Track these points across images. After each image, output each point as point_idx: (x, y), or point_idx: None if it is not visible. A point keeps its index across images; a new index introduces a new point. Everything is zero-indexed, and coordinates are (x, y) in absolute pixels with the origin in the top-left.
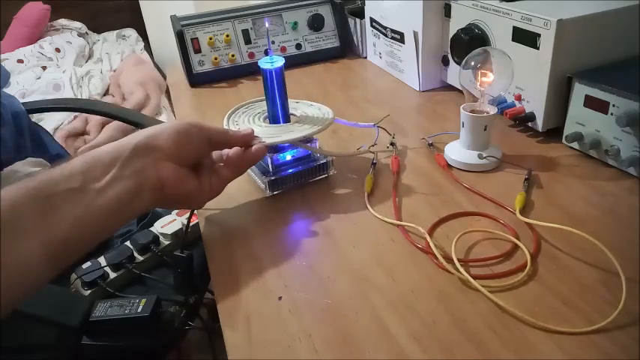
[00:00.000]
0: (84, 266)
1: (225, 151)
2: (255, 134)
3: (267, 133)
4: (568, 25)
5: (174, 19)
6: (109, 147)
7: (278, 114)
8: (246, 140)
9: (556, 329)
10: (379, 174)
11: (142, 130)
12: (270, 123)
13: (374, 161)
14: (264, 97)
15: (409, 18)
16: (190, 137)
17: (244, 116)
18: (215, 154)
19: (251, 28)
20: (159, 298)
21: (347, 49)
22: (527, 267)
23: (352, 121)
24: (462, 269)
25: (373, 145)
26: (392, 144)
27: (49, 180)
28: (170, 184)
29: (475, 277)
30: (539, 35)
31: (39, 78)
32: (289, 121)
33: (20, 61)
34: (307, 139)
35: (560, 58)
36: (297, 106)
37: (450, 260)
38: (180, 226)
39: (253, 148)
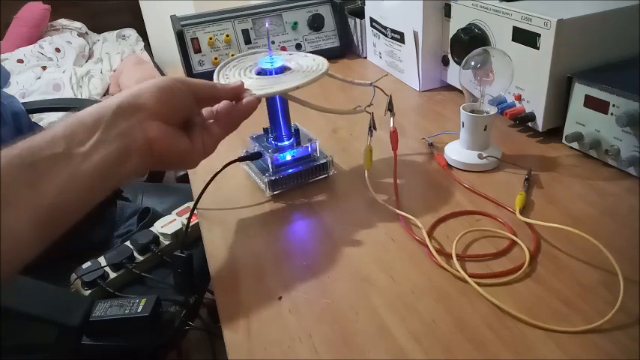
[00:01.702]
0: (84, 266)
1: (217, 105)
2: (245, 86)
3: (258, 85)
4: (568, 25)
5: (174, 19)
6: (91, 109)
7: (278, 113)
8: (235, 93)
9: (554, 328)
10: (379, 161)
11: (124, 90)
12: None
13: (371, 126)
14: (253, 51)
15: (409, 18)
16: (174, 93)
17: (235, 70)
18: (206, 110)
19: (251, 28)
20: (159, 298)
21: (347, 49)
22: (525, 265)
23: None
24: (458, 266)
25: (369, 105)
26: (389, 110)
27: (31, 147)
28: (159, 144)
29: (473, 276)
30: (539, 35)
31: (39, 78)
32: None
33: (20, 61)
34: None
35: (560, 58)
36: (291, 58)
37: (448, 256)
38: (180, 226)
39: (244, 100)
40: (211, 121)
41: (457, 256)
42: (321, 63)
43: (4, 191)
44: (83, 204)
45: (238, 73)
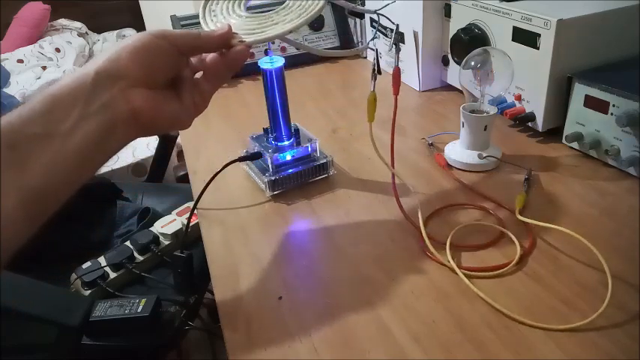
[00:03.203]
0: (84, 266)
1: (204, 56)
2: (233, 31)
3: (248, 28)
4: (568, 25)
5: (174, 19)
6: (68, 80)
7: (278, 113)
8: (223, 41)
9: (551, 327)
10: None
11: (100, 54)
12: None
13: (375, 69)
14: None
15: (409, 18)
16: (155, 52)
17: (223, 2)
18: (194, 60)
19: None
20: (159, 298)
21: (347, 49)
22: (516, 259)
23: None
24: (452, 261)
25: (373, 39)
26: (395, 44)
27: (10, 129)
28: (145, 113)
29: (467, 269)
30: (539, 35)
31: (39, 78)
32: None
33: (20, 61)
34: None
35: (560, 58)
36: None
37: (442, 247)
38: (180, 226)
39: (233, 50)
40: (200, 74)
41: (450, 244)
42: None
43: None
44: (72, 182)
45: (226, 8)
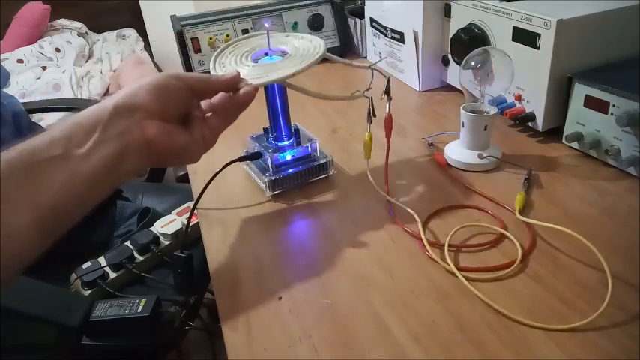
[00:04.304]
0: (84, 266)
1: (214, 98)
2: (241, 76)
3: (254, 74)
4: (568, 25)
5: (174, 19)
6: (88, 111)
7: (278, 113)
8: (231, 84)
9: (551, 327)
10: (377, 157)
11: (120, 90)
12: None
13: (370, 112)
14: (250, 35)
15: (409, 18)
16: (171, 90)
17: (231, 57)
18: (204, 103)
19: (251, 28)
20: (159, 298)
21: (347, 49)
22: (517, 260)
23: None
24: (449, 260)
25: (368, 89)
26: (386, 93)
27: (31, 149)
28: (157, 143)
29: (466, 270)
30: (539, 35)
31: (39, 78)
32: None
33: (20, 61)
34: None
35: (560, 58)
36: (286, 41)
37: (441, 248)
38: (180, 226)
39: (241, 91)
40: (210, 114)
41: (449, 246)
42: (318, 45)
43: (4, 190)
44: (84, 204)
45: (234, 61)
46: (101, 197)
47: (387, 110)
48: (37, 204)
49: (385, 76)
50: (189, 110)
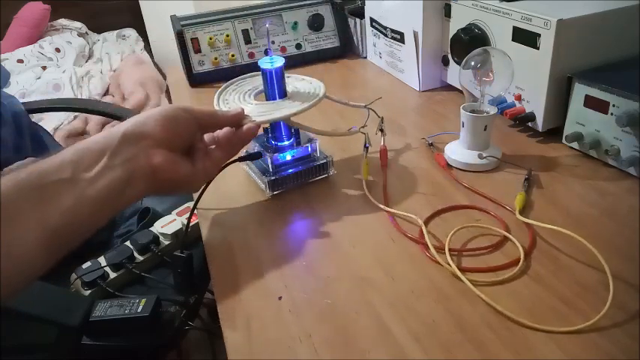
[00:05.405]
0: (84, 266)
1: (218, 132)
2: (245, 113)
3: (258, 111)
4: (568, 25)
5: (174, 19)
6: (98, 137)
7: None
8: (236, 120)
9: (552, 329)
10: (373, 164)
11: (129, 118)
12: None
13: (366, 144)
14: (253, 74)
15: (409, 18)
16: (179, 121)
17: (234, 94)
18: (208, 136)
19: (251, 28)
20: (159, 298)
21: (347, 49)
22: (520, 262)
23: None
24: (452, 262)
25: (364, 127)
26: (380, 130)
27: (39, 171)
28: (162, 171)
29: (467, 270)
30: (539, 35)
31: (39, 78)
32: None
33: (20, 61)
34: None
35: (560, 58)
36: (288, 82)
37: (441, 250)
38: (180, 226)
39: (244, 127)
40: (213, 146)
41: (450, 250)
42: (318, 87)
43: (12, 211)
44: (88, 226)
45: (238, 98)
46: (104, 221)
47: (382, 143)
48: (44, 225)
49: (379, 116)
50: (193, 142)
